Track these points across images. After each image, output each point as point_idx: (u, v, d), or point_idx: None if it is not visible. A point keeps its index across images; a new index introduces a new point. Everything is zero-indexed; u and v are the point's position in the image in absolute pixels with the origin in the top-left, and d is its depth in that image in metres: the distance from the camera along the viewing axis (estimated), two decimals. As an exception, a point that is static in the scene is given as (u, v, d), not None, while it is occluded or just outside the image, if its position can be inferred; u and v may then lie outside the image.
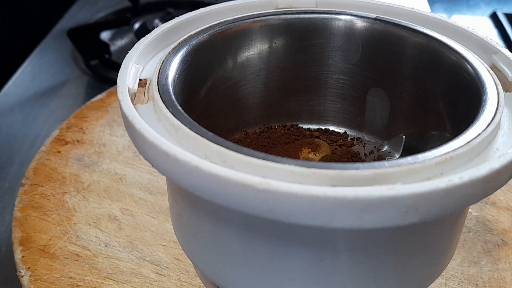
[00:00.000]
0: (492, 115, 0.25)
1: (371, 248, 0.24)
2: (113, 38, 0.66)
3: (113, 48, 0.64)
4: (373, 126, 0.37)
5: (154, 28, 0.31)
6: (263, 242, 0.25)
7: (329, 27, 0.35)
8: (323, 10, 0.35)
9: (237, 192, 0.20)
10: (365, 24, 0.34)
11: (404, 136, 0.34)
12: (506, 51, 0.29)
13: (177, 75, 0.28)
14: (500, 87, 0.27)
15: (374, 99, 0.36)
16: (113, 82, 0.50)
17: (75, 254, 0.35)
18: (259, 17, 0.34)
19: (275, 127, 0.38)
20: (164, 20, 0.65)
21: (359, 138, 0.38)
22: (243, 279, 0.27)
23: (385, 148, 0.36)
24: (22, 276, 0.33)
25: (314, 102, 0.38)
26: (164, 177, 0.38)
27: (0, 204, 0.43)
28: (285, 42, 0.35)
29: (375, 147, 0.36)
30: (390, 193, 0.19)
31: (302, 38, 0.35)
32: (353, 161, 0.35)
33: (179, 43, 0.31)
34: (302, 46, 0.36)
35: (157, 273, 0.34)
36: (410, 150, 0.34)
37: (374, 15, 0.34)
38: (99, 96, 0.51)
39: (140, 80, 0.28)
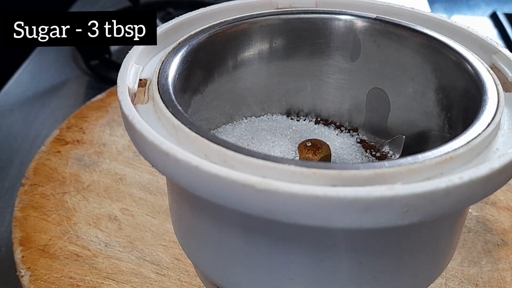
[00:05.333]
0: (492, 115, 0.25)
1: (371, 248, 0.24)
2: (113, 38, 0.66)
3: (113, 48, 0.63)
4: (373, 126, 0.37)
5: (154, 28, 0.31)
6: (263, 242, 0.25)
7: (329, 27, 0.35)
8: (323, 10, 0.35)
9: (237, 192, 0.20)
10: (365, 24, 0.34)
11: (404, 136, 0.34)
12: (506, 51, 0.29)
13: (177, 75, 0.28)
14: (500, 87, 0.27)
15: (374, 99, 0.36)
16: (113, 82, 0.50)
17: (75, 254, 0.35)
18: (259, 17, 0.34)
19: (275, 127, 0.38)
20: (164, 20, 0.64)
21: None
22: (243, 279, 0.27)
23: (385, 148, 0.36)
24: (22, 276, 0.33)
25: (314, 102, 0.38)
26: (164, 177, 0.37)
27: (0, 204, 0.43)
28: (285, 42, 0.35)
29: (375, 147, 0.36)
30: (390, 193, 0.19)
31: (302, 38, 0.35)
32: (353, 161, 0.35)
33: (179, 43, 0.31)
34: (302, 46, 0.36)
35: (157, 273, 0.34)
36: (410, 150, 0.34)
37: (374, 15, 0.34)
38: (99, 96, 0.51)
39: (140, 80, 0.28)
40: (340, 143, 0.35)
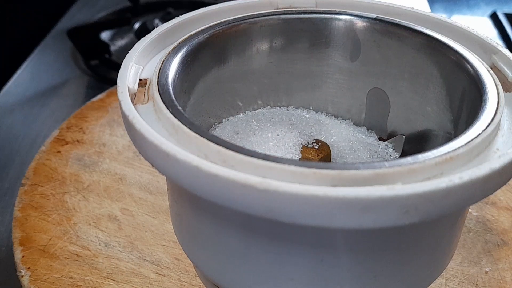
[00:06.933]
0: (492, 115, 0.25)
1: (371, 248, 0.24)
2: (113, 38, 0.66)
3: (113, 48, 0.64)
4: (373, 126, 0.37)
5: (154, 28, 0.31)
6: (263, 242, 0.25)
7: (329, 27, 0.35)
8: (323, 10, 0.35)
9: (237, 192, 0.20)
10: (365, 24, 0.34)
11: (404, 136, 0.34)
12: (506, 51, 0.29)
13: (177, 75, 0.28)
14: (500, 87, 0.27)
15: (374, 99, 0.36)
16: (113, 82, 0.51)
17: (75, 254, 0.35)
18: (259, 17, 0.34)
19: (275, 127, 0.38)
20: (164, 20, 0.65)
21: (359, 138, 0.38)
22: (243, 279, 0.27)
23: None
24: (22, 276, 0.33)
25: (314, 102, 0.38)
26: (164, 177, 0.38)
27: (0, 204, 0.43)
28: (285, 42, 0.35)
29: (375, 147, 0.36)
30: (390, 193, 0.19)
31: (302, 38, 0.35)
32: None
33: (179, 43, 0.31)
34: (302, 46, 0.36)
35: (157, 273, 0.34)
36: (410, 150, 0.34)
37: (374, 15, 0.34)
38: (99, 96, 0.51)
39: (140, 80, 0.28)
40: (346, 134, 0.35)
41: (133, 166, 0.43)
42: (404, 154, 0.34)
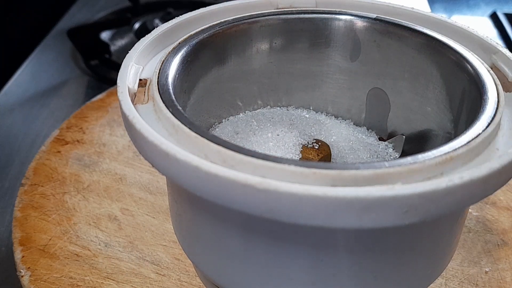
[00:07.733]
0: (492, 115, 0.25)
1: (371, 248, 0.24)
2: (113, 38, 0.66)
3: (113, 48, 0.64)
4: (373, 126, 0.37)
5: (154, 28, 0.31)
6: (263, 242, 0.25)
7: (329, 27, 0.35)
8: (323, 10, 0.35)
9: (237, 192, 0.20)
10: (365, 24, 0.34)
11: (404, 136, 0.34)
12: (506, 51, 0.29)
13: (177, 75, 0.28)
14: (500, 87, 0.27)
15: (374, 99, 0.36)
16: (113, 82, 0.51)
17: (75, 254, 0.35)
18: (259, 17, 0.34)
19: (275, 127, 0.38)
20: (164, 20, 0.65)
21: (359, 138, 0.38)
22: (243, 279, 0.27)
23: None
24: (22, 276, 0.33)
25: (314, 102, 0.38)
26: (164, 177, 0.38)
27: (0, 204, 0.43)
28: (285, 42, 0.35)
29: (375, 147, 0.36)
30: (390, 193, 0.19)
31: (302, 38, 0.35)
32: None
33: (179, 43, 0.31)
34: (302, 46, 0.36)
35: (157, 273, 0.34)
36: (410, 150, 0.34)
37: (374, 15, 0.34)
38: (99, 96, 0.51)
39: (140, 80, 0.28)
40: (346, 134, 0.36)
41: (133, 166, 0.43)
42: (404, 154, 0.34)
